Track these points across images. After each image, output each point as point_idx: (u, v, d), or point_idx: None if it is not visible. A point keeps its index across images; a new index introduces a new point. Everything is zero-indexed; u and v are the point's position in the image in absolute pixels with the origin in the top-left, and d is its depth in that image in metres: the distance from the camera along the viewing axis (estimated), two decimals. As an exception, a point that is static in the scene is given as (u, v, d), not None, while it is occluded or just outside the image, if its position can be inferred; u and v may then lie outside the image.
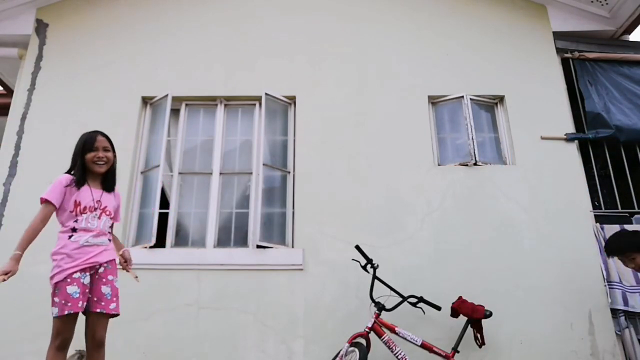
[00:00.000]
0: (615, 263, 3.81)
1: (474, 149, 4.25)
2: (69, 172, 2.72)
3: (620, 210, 4.11)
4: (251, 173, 4.26)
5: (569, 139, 4.24)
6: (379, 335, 3.25)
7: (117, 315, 2.68)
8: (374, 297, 3.37)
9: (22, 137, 4.25)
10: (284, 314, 3.72)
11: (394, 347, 3.20)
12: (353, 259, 3.56)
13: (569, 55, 4.62)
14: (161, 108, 4.37)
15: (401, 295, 3.42)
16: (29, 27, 4.67)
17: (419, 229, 3.95)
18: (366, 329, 3.25)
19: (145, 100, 4.48)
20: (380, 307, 3.33)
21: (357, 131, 4.28)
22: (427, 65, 4.53)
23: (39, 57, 4.56)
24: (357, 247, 3.47)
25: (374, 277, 3.44)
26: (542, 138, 4.25)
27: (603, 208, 4.12)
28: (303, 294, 3.77)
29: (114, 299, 2.65)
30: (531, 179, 4.11)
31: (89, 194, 2.67)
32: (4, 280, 2.52)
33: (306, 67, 4.53)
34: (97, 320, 2.61)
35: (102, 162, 2.71)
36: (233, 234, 4.12)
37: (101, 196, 2.71)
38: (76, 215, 2.62)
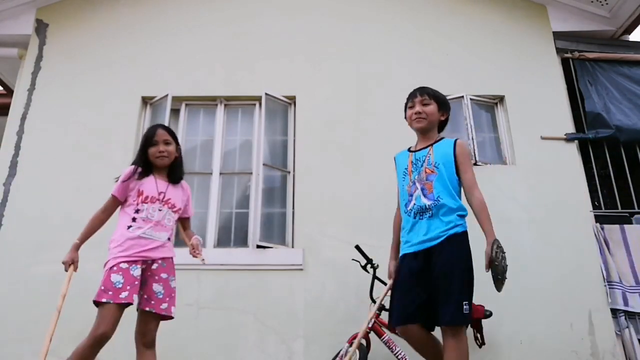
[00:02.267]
0: (615, 263, 3.82)
1: (474, 149, 4.25)
2: (133, 164, 2.71)
3: (620, 210, 4.11)
4: (251, 173, 4.26)
5: (569, 139, 4.24)
6: (379, 335, 3.24)
7: (169, 317, 2.56)
8: (374, 297, 3.38)
9: (22, 137, 4.25)
10: (284, 314, 3.72)
11: (394, 347, 3.20)
12: (353, 259, 3.55)
13: (569, 55, 4.62)
14: (161, 108, 4.37)
15: (401, 295, 3.42)
16: (29, 27, 4.66)
17: (419, 229, 3.94)
18: (366, 329, 3.25)
19: (145, 100, 4.48)
20: (380, 307, 3.33)
21: (357, 131, 4.28)
22: (427, 65, 4.53)
23: (39, 57, 4.56)
24: (357, 247, 3.47)
25: (374, 277, 3.44)
26: (542, 138, 4.25)
27: (603, 208, 4.12)
28: (303, 294, 3.77)
29: (167, 299, 2.53)
30: (531, 179, 4.11)
31: (154, 185, 2.64)
32: (75, 269, 2.60)
33: (306, 67, 4.53)
34: (147, 320, 2.51)
35: (164, 156, 2.67)
36: (233, 234, 4.12)
37: (166, 188, 2.68)
38: (137, 204, 2.58)
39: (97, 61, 4.55)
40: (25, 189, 4.07)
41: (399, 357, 3.17)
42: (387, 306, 3.35)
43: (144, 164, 2.67)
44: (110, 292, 2.35)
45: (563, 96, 4.44)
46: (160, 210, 2.61)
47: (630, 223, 4.02)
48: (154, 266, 2.55)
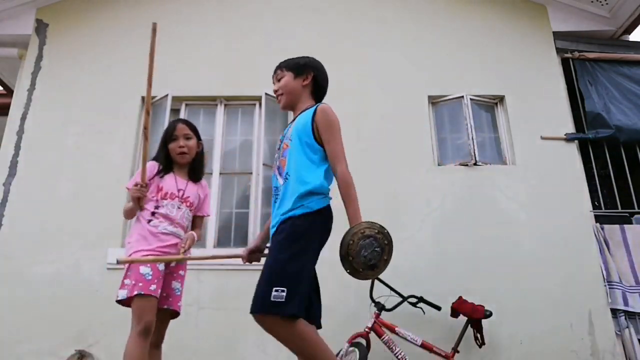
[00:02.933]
0: (615, 263, 3.81)
1: (474, 149, 4.25)
2: (154, 159, 2.65)
3: (620, 210, 4.11)
4: (251, 173, 4.25)
5: (569, 139, 4.24)
6: (379, 335, 3.25)
7: (178, 314, 2.54)
8: (374, 297, 3.38)
9: (22, 137, 4.25)
10: (284, 314, 3.71)
11: (394, 347, 3.20)
12: (353, 259, 3.55)
13: (569, 55, 4.62)
14: (161, 108, 4.37)
15: (401, 295, 3.42)
16: (29, 27, 4.66)
17: (419, 229, 3.95)
18: (366, 329, 3.25)
19: (145, 100, 4.48)
20: (380, 307, 3.34)
21: (356, 131, 4.27)
22: (427, 65, 4.53)
23: (39, 57, 4.56)
24: (357, 247, 3.46)
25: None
26: (542, 138, 4.25)
27: (603, 208, 4.12)
28: (303, 294, 3.76)
29: (181, 297, 2.53)
30: (531, 179, 4.11)
31: (173, 182, 2.58)
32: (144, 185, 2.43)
33: (306, 67, 4.52)
34: (163, 318, 2.46)
35: (184, 153, 2.60)
36: (233, 233, 4.12)
37: (186, 186, 2.61)
38: (157, 201, 2.51)
39: (97, 61, 4.55)
40: (25, 189, 4.07)
41: (399, 357, 3.17)
42: (388, 306, 3.36)
43: (165, 161, 2.61)
44: (140, 284, 2.30)
45: (563, 96, 4.44)
46: (179, 207, 2.56)
47: (630, 223, 4.02)
48: (172, 263, 2.52)
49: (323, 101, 2.35)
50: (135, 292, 2.28)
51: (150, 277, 2.32)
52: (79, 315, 3.67)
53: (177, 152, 2.60)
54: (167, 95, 4.32)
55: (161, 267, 2.40)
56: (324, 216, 2.13)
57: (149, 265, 2.33)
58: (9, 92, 5.29)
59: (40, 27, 4.68)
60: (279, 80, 2.35)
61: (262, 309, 1.85)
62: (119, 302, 2.37)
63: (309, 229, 2.04)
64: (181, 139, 2.61)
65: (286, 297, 1.84)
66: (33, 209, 3.99)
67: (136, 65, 4.53)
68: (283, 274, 1.89)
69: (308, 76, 2.32)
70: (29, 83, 4.45)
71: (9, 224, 3.97)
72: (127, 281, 2.33)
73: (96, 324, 3.63)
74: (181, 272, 2.56)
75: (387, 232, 1.98)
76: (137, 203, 2.45)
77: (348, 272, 1.95)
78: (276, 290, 1.85)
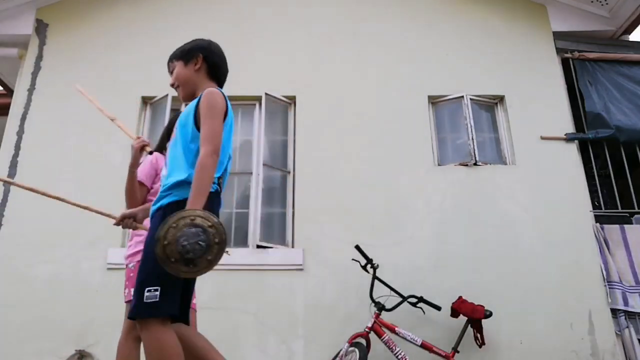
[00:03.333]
0: (615, 263, 3.82)
1: (474, 149, 4.25)
2: (157, 150, 2.59)
3: (620, 210, 4.11)
4: (251, 173, 4.25)
5: (569, 139, 4.24)
6: (379, 335, 3.25)
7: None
8: (374, 297, 3.38)
9: (22, 137, 4.25)
10: (284, 314, 3.71)
11: (394, 347, 3.20)
12: (353, 259, 3.55)
13: (569, 55, 4.62)
14: (161, 108, 4.37)
15: (401, 295, 3.42)
16: (29, 27, 4.66)
17: (419, 229, 3.95)
18: (366, 329, 3.25)
19: (145, 100, 4.48)
20: (380, 307, 3.34)
21: (357, 131, 4.27)
22: (427, 65, 4.53)
23: (39, 57, 4.56)
24: (357, 247, 3.47)
25: (374, 277, 3.44)
26: (542, 138, 4.25)
27: (603, 208, 4.12)
28: (303, 294, 3.77)
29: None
30: (531, 179, 4.11)
31: None
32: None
33: (306, 67, 4.53)
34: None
35: None
36: (233, 234, 4.11)
37: None
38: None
39: (97, 61, 4.55)
40: (25, 189, 4.06)
41: (399, 357, 3.17)
42: (388, 306, 3.37)
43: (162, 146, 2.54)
44: None
45: (563, 96, 4.43)
46: None
47: (630, 223, 4.02)
48: None
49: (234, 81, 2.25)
50: None
51: None
52: (79, 315, 3.67)
53: None
54: (167, 95, 4.32)
55: None
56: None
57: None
58: (9, 92, 5.29)
59: (40, 27, 4.68)
60: (171, 73, 2.19)
61: (137, 313, 1.70)
62: (128, 302, 2.28)
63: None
64: None
65: (159, 296, 1.68)
66: (33, 209, 3.99)
67: (136, 65, 4.53)
68: (154, 272, 1.71)
69: (197, 59, 2.15)
70: (29, 83, 4.45)
71: (9, 224, 3.97)
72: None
73: (96, 324, 3.63)
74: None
75: (224, 232, 1.67)
76: (139, 153, 2.33)
77: (158, 257, 1.63)
78: (148, 291, 1.70)
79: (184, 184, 1.83)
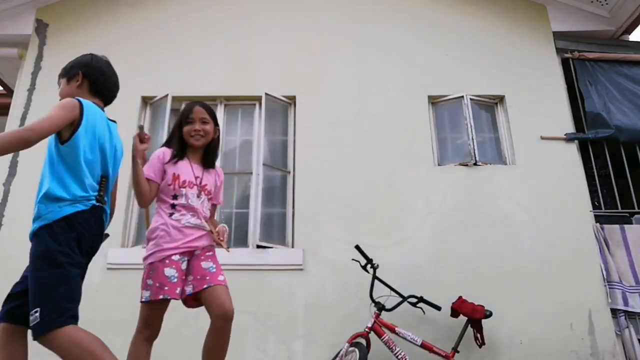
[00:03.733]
0: (615, 263, 3.82)
1: (474, 149, 4.25)
2: (165, 144, 2.50)
3: (620, 210, 4.11)
4: (251, 173, 4.25)
5: (569, 139, 4.24)
6: (379, 335, 3.25)
7: (224, 286, 2.32)
8: (374, 297, 3.38)
9: (22, 137, 4.25)
10: (284, 314, 3.72)
11: (394, 347, 3.20)
12: (353, 259, 3.56)
13: (569, 55, 4.62)
14: (161, 108, 4.37)
15: (401, 295, 3.43)
16: (29, 27, 4.67)
17: (419, 229, 3.95)
18: (366, 329, 3.25)
19: (145, 100, 4.48)
20: (380, 307, 3.34)
21: (357, 131, 4.28)
22: (427, 65, 4.53)
23: (39, 57, 4.56)
24: (357, 247, 3.47)
25: (374, 277, 3.44)
26: (542, 138, 4.25)
27: (603, 208, 4.12)
28: (303, 294, 3.77)
29: (221, 271, 2.32)
30: (531, 179, 4.11)
31: (189, 168, 2.40)
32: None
33: (306, 67, 4.53)
34: (215, 295, 2.24)
35: (199, 135, 2.43)
36: (233, 233, 4.11)
37: (202, 173, 2.44)
38: (174, 189, 2.33)
39: (97, 61, 4.54)
40: (25, 189, 4.06)
41: (399, 357, 3.17)
42: (388, 306, 3.37)
43: (178, 143, 2.44)
44: (166, 288, 2.16)
45: (563, 96, 4.44)
46: (198, 196, 2.38)
47: (630, 223, 4.02)
48: (197, 252, 2.34)
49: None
50: (161, 297, 2.16)
51: (175, 280, 2.19)
52: (79, 315, 3.67)
53: (191, 135, 2.43)
54: (167, 95, 4.33)
55: (184, 265, 2.26)
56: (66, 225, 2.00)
57: (173, 265, 2.20)
58: (9, 92, 5.29)
59: (40, 27, 4.69)
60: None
61: (34, 332, 1.86)
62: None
63: (46, 242, 1.96)
64: (197, 123, 2.43)
65: (40, 316, 1.88)
66: (33, 209, 3.98)
67: (136, 65, 4.53)
68: (42, 292, 1.94)
69: (77, 77, 2.23)
70: (29, 83, 4.45)
71: (9, 224, 3.97)
72: (149, 281, 2.20)
73: (96, 324, 3.62)
74: (208, 254, 2.36)
75: None
76: (137, 141, 2.34)
77: None
78: (35, 311, 1.89)
79: (43, 199, 2.02)
